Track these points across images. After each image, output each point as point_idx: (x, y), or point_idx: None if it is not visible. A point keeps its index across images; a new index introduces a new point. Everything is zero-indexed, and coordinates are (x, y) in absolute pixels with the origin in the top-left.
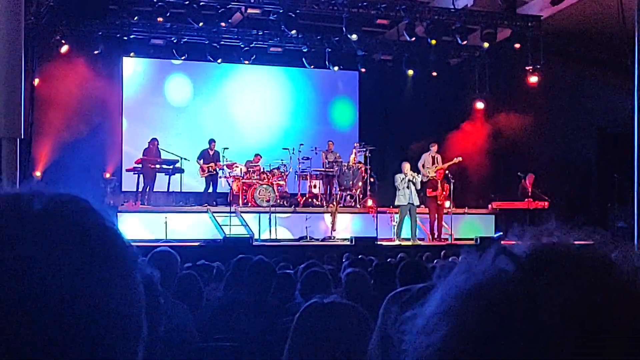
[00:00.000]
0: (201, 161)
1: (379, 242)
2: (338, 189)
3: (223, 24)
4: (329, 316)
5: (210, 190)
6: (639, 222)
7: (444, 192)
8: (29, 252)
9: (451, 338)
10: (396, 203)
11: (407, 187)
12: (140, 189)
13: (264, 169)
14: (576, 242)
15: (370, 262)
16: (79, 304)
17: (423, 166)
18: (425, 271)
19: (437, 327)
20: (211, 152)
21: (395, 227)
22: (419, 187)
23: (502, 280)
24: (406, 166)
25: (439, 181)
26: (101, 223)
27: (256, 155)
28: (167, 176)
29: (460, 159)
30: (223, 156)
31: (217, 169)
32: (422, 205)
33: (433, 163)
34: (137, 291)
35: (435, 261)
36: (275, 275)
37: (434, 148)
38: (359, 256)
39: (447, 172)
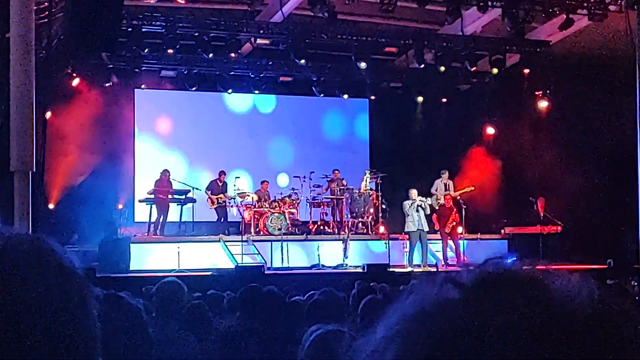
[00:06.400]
0: (209, 192)
1: (391, 269)
2: (349, 216)
3: (233, 54)
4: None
5: (222, 220)
6: None
7: (453, 219)
8: None
9: None
10: (405, 230)
11: (417, 212)
12: (153, 220)
13: (275, 197)
14: (525, 269)
15: (383, 289)
16: (37, 334)
17: (436, 191)
18: None
19: (385, 351)
20: (220, 183)
21: (407, 254)
22: (428, 211)
23: (447, 307)
24: (413, 192)
25: (447, 208)
26: (57, 261)
27: (263, 182)
28: (180, 206)
29: (472, 188)
30: (234, 185)
31: (226, 200)
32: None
33: (445, 189)
34: (89, 320)
35: None
36: (285, 304)
37: (445, 175)
38: (371, 283)
39: (458, 197)
